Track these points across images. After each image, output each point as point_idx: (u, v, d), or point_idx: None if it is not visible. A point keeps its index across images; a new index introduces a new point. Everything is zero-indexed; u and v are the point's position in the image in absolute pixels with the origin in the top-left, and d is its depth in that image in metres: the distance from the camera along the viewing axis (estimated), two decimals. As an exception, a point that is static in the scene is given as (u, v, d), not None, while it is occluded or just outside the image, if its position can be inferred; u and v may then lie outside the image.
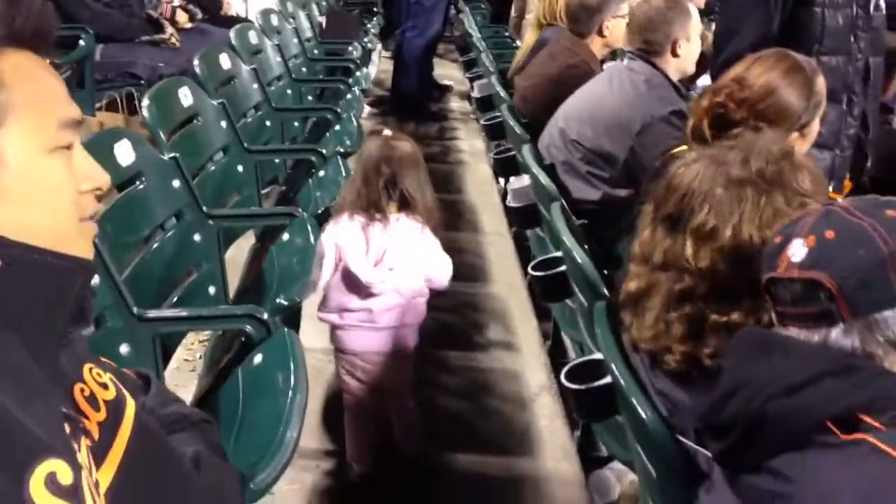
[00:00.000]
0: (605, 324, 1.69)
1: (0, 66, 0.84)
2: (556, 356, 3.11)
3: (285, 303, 1.88)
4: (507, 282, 3.72)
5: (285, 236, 2.33)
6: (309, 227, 2.20)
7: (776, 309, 1.13)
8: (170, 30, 4.23)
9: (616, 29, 3.39)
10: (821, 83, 2.00)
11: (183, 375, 2.69)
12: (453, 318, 3.36)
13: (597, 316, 1.75)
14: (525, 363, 3.09)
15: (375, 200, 2.24)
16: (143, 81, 4.00)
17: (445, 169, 5.27)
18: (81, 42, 3.94)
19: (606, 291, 1.90)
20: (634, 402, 1.43)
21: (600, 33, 3.43)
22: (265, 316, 1.80)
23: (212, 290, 2.36)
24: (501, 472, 2.51)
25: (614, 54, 3.58)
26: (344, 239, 2.25)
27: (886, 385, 1.01)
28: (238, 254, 3.08)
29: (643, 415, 1.41)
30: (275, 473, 1.36)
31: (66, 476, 0.74)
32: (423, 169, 2.33)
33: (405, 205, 2.27)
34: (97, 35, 3.90)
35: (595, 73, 3.17)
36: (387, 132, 2.37)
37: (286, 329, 1.70)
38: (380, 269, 2.25)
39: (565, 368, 1.86)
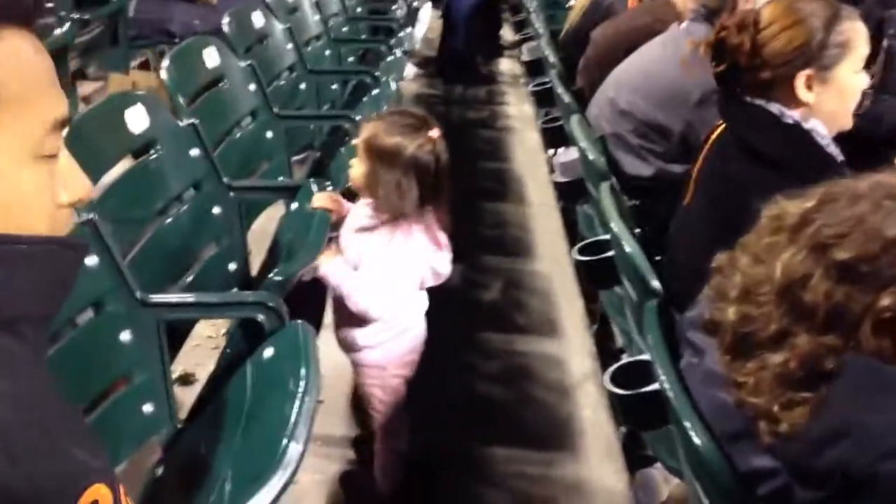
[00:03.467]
0: (657, 327, 1.50)
1: None
2: (603, 340, 2.92)
3: (278, 278, 1.71)
4: (552, 257, 3.52)
5: (293, 206, 2.15)
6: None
7: None
8: (206, -16, 4.07)
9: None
10: (851, 25, 1.70)
11: (204, 353, 2.55)
12: (494, 296, 3.18)
13: (647, 317, 1.55)
14: (569, 348, 2.90)
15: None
16: (177, 39, 3.84)
17: (492, 135, 5.06)
18: (114, -3, 3.81)
19: (658, 285, 1.70)
20: (688, 425, 1.24)
21: None
22: (279, 304, 1.64)
23: (232, 266, 2.21)
24: (539, 469, 2.35)
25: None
26: (424, 248, 1.98)
27: None
28: (269, 224, 2.93)
29: (696, 441, 1.22)
30: (273, 494, 1.20)
31: (106, 499, 0.70)
32: None
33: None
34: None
35: None
36: (433, 133, 1.97)
37: (300, 322, 1.53)
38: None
39: (609, 371, 1.69)
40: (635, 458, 2.36)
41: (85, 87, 4.46)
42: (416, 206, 1.94)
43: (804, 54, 1.67)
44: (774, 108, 1.71)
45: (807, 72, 1.67)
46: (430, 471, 2.29)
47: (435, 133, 1.95)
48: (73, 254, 0.78)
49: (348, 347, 2.09)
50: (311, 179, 2.27)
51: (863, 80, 1.72)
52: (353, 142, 2.66)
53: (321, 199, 2.07)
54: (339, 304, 2.02)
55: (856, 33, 1.70)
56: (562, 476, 2.32)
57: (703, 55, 1.81)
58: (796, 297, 1.10)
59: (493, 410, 2.57)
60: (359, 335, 2.04)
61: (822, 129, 1.70)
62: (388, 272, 1.94)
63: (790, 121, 1.69)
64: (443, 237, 2.01)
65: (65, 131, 0.78)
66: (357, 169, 1.97)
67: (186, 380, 2.46)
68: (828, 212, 1.12)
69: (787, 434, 1.05)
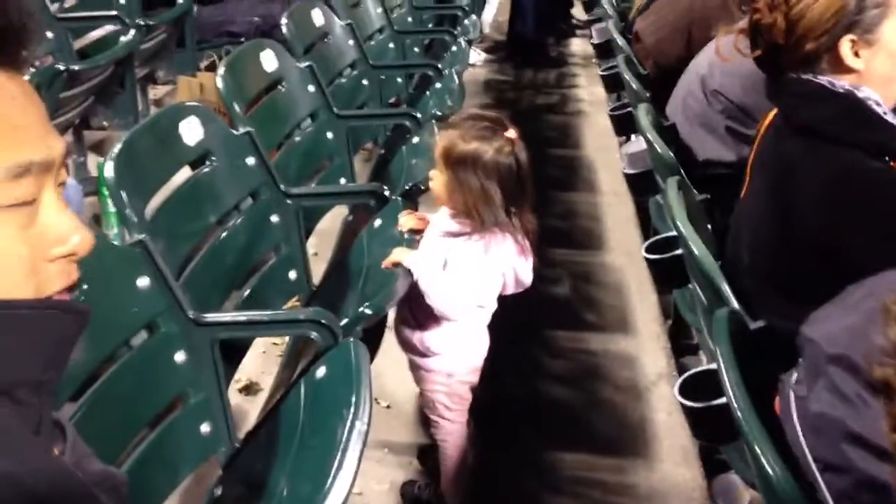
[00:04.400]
0: (727, 340, 1.40)
1: None
2: (678, 336, 2.82)
3: (369, 312, 1.67)
4: (624, 249, 3.41)
5: (377, 223, 2.11)
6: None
7: None
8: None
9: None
10: None
11: (270, 361, 2.54)
12: (562, 291, 3.10)
13: (717, 327, 1.46)
14: (642, 346, 2.80)
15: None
16: (242, 39, 3.85)
17: (562, 120, 4.95)
18: (179, 0, 3.83)
19: (729, 290, 1.60)
20: (759, 452, 1.16)
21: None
22: (338, 322, 1.60)
23: (292, 275, 2.19)
24: (609, 476, 2.27)
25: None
26: (511, 254, 1.92)
27: None
28: (334, 223, 2.90)
29: (770, 471, 1.14)
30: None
31: None
32: None
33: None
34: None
35: (733, 13, 2.74)
36: (510, 133, 1.90)
37: (352, 340, 1.49)
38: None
39: (679, 381, 1.61)
40: (713, 462, 2.27)
41: (156, 91, 4.53)
42: (504, 212, 1.88)
43: (843, 19, 1.57)
44: (823, 79, 1.61)
45: (850, 37, 1.57)
46: (495, 476, 2.24)
47: (512, 134, 1.89)
48: (74, 318, 0.73)
49: (413, 351, 2.03)
50: (399, 199, 2.17)
51: None
52: (415, 140, 2.62)
53: (409, 222, 2.03)
54: (411, 303, 1.97)
55: None
56: (634, 483, 2.23)
57: (738, 43, 1.71)
58: None
59: (560, 413, 2.49)
60: (427, 339, 1.98)
61: (877, 97, 1.58)
62: (476, 278, 1.90)
63: (841, 90, 1.59)
64: (527, 245, 1.95)
65: (60, 178, 0.73)
66: (438, 181, 1.92)
67: (251, 389, 2.45)
68: None
69: None
